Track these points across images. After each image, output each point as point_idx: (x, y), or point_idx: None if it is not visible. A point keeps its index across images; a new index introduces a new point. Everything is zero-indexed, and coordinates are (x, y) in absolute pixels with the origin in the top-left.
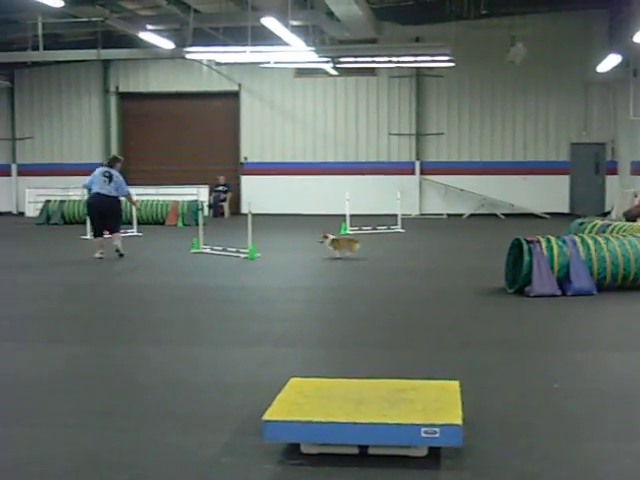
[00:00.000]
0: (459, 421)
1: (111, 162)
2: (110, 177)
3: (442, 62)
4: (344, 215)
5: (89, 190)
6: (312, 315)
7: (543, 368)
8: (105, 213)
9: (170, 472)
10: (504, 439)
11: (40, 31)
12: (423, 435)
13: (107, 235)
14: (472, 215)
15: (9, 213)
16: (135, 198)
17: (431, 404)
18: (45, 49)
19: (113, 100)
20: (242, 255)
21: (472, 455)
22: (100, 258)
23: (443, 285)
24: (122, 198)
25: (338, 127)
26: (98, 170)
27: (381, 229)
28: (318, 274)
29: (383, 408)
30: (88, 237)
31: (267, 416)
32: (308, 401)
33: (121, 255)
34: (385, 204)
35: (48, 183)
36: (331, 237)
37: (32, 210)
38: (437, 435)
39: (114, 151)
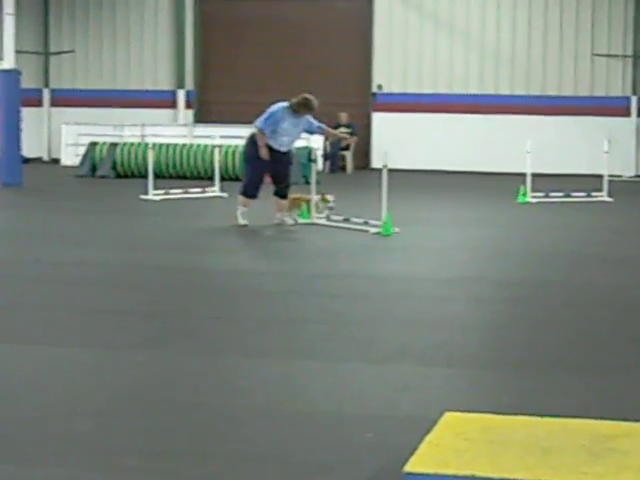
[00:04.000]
0: None
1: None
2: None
3: None
4: (523, 174)
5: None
6: (476, 320)
7: None
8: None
9: None
10: None
11: None
12: None
13: None
14: None
15: (39, 160)
16: (218, 141)
17: None
18: None
19: (189, 1)
20: (372, 229)
21: None
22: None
23: None
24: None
25: (517, 44)
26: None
27: (578, 196)
28: (485, 259)
29: (583, 462)
30: (150, 197)
31: (411, 467)
32: (472, 447)
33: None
34: (584, 160)
35: (94, 118)
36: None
37: (70, 156)
38: None
39: (188, 74)
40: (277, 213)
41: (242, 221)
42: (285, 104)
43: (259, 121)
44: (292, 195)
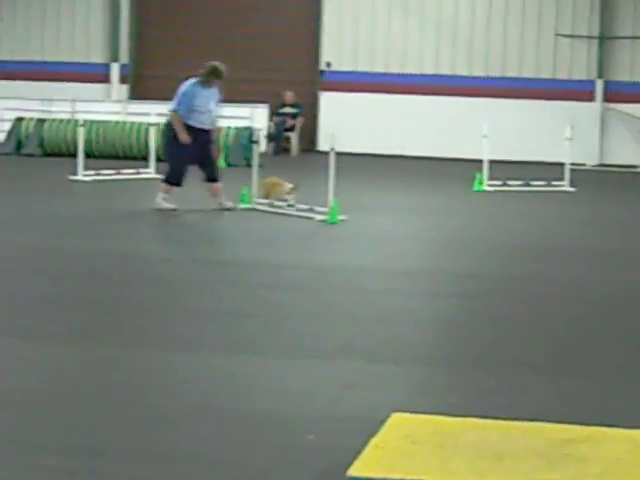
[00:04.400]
0: None
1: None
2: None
3: None
4: (479, 161)
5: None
6: (429, 315)
7: None
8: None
9: None
10: None
11: None
12: None
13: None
14: None
15: None
16: (154, 119)
17: (612, 465)
18: None
19: None
20: (318, 217)
21: None
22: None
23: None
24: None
25: (476, 22)
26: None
27: (538, 185)
28: (436, 250)
29: (538, 468)
30: (80, 177)
31: (355, 470)
32: (420, 450)
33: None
34: (545, 146)
35: (20, 92)
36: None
37: None
38: None
39: (123, 46)
40: (214, 198)
41: (167, 205)
42: (194, 79)
43: (172, 104)
44: (270, 179)
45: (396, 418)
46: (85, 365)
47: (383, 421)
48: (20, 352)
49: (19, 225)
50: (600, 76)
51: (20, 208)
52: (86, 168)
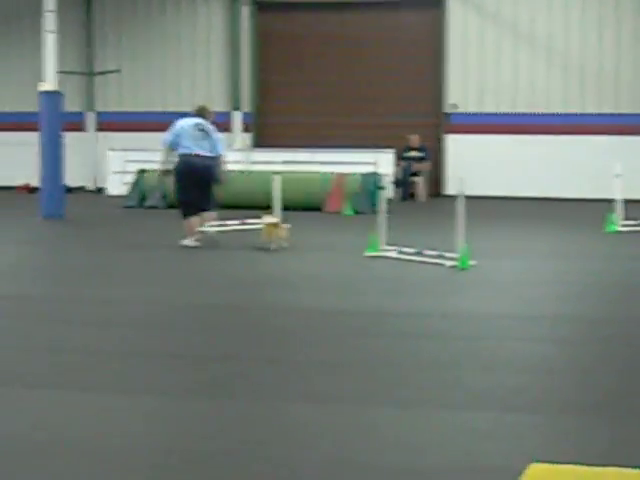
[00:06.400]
0: None
1: (201, 112)
2: (205, 131)
3: None
4: (609, 200)
5: (172, 149)
6: (561, 362)
7: None
8: (203, 183)
9: None
10: None
11: None
12: None
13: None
14: None
15: (82, 189)
16: (279, 167)
17: None
18: None
19: (245, 12)
20: (448, 262)
21: None
22: (197, 246)
23: None
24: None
25: (604, 58)
26: (185, 121)
27: None
28: (571, 295)
29: None
30: (204, 228)
31: None
32: None
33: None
34: None
35: (143, 143)
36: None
37: (117, 185)
38: None
39: (245, 92)
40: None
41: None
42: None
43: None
44: (269, 219)
45: (534, 468)
46: (214, 420)
47: (521, 472)
48: (152, 408)
49: (143, 280)
50: None
51: (147, 261)
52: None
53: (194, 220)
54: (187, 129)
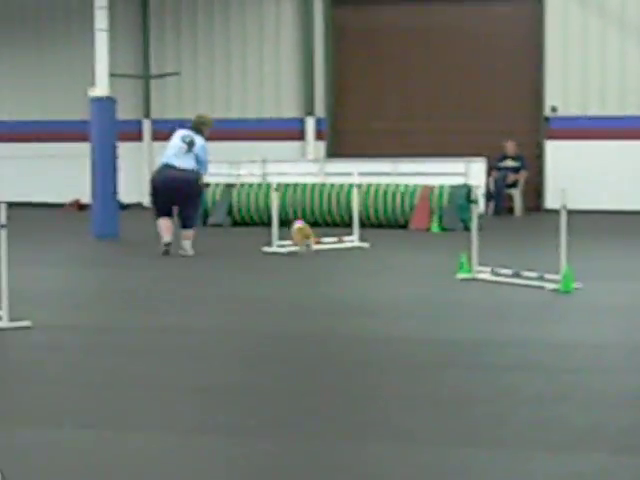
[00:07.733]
0: None
1: (198, 125)
2: (191, 144)
3: None
4: None
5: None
6: None
7: None
8: (176, 196)
9: None
10: None
11: None
12: None
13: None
14: None
15: (138, 205)
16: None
17: None
18: None
19: (319, 6)
20: (549, 285)
21: None
22: (166, 250)
23: None
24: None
25: None
26: (179, 131)
27: None
28: None
29: None
30: (274, 249)
31: None
32: None
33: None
34: None
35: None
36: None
37: None
38: None
39: (318, 96)
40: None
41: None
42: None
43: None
44: (300, 225)
45: None
46: (284, 460)
47: None
48: (223, 449)
49: (213, 305)
50: None
51: (210, 285)
52: (281, 238)
53: (164, 221)
54: (174, 139)
